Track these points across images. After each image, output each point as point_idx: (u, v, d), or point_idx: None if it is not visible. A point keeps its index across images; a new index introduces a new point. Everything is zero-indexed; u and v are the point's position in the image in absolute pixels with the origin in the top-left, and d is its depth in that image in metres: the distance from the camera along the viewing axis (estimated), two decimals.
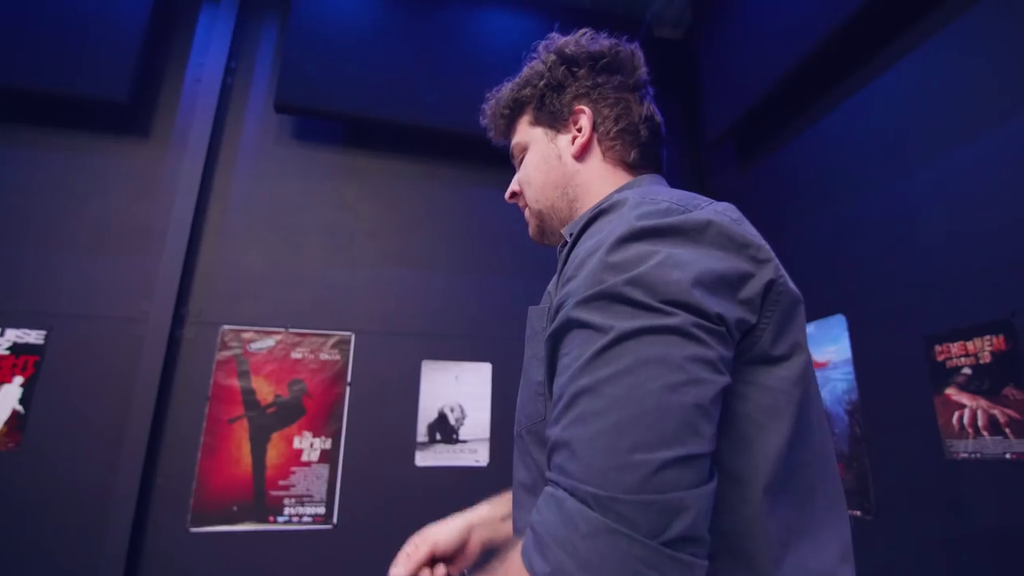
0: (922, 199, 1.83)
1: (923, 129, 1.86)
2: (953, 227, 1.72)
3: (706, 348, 0.44)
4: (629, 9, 2.97)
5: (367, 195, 2.62)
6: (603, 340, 0.45)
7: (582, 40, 0.78)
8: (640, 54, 0.79)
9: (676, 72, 3.01)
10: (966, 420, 1.65)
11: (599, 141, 0.75)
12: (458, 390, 2.45)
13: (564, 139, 0.76)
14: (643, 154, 0.75)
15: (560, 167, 0.75)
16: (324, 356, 2.39)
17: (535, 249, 2.70)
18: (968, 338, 1.66)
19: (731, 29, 2.62)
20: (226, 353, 2.30)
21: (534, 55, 0.81)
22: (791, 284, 0.53)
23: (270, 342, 2.35)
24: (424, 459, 2.35)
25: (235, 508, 2.14)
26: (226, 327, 2.32)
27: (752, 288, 0.49)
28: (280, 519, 2.17)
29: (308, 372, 2.36)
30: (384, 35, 2.57)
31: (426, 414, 2.40)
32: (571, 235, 0.59)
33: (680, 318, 0.44)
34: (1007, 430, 1.54)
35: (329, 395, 2.36)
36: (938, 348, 1.73)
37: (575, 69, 0.76)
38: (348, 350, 2.41)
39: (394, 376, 2.41)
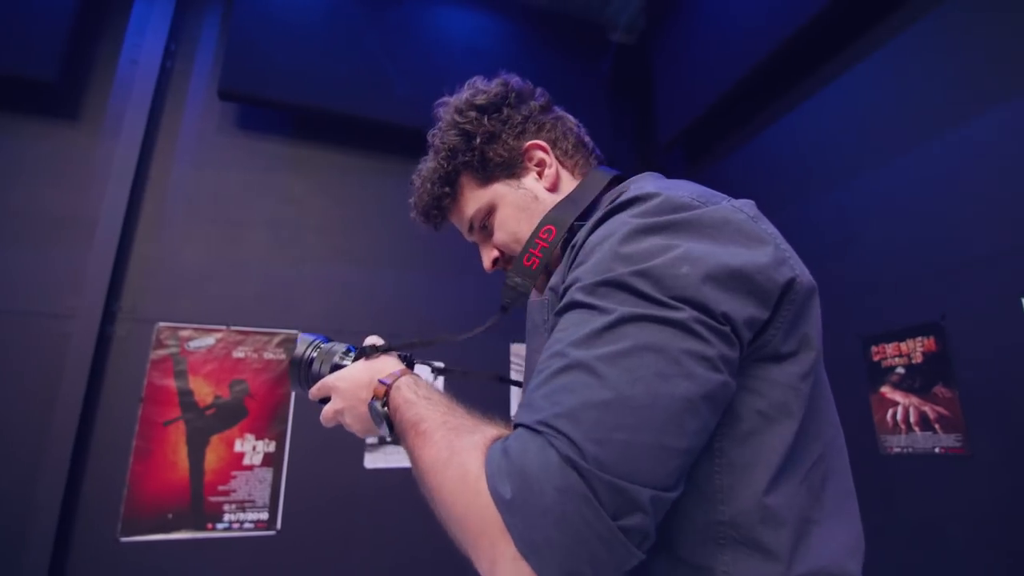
0: (860, 207, 1.91)
1: (862, 141, 1.95)
2: (888, 234, 1.81)
3: (706, 345, 0.44)
4: (585, 12, 2.99)
5: (314, 189, 2.53)
6: (605, 319, 0.45)
7: (479, 87, 0.77)
8: (521, 80, 0.79)
9: (629, 76, 3.04)
10: (899, 416, 1.73)
11: (561, 164, 0.75)
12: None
13: (528, 179, 0.74)
14: (596, 157, 0.78)
15: (540, 205, 0.73)
16: (268, 355, 2.30)
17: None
18: (902, 339, 1.74)
19: (684, 37, 2.67)
20: (162, 352, 2.17)
21: (437, 124, 0.78)
22: (807, 276, 0.53)
23: (210, 340, 2.25)
24: (374, 461, 2.29)
25: (170, 516, 2.03)
26: (162, 324, 2.19)
27: (767, 286, 0.48)
28: (219, 526, 2.07)
29: (251, 372, 2.26)
30: (337, 23, 2.49)
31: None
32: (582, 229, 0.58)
33: (684, 313, 0.44)
34: (936, 426, 1.63)
35: (273, 396, 2.27)
36: (874, 349, 1.81)
37: (496, 114, 0.75)
38: (293, 349, 2.32)
39: None
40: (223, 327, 2.26)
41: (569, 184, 0.75)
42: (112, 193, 2.16)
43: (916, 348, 1.71)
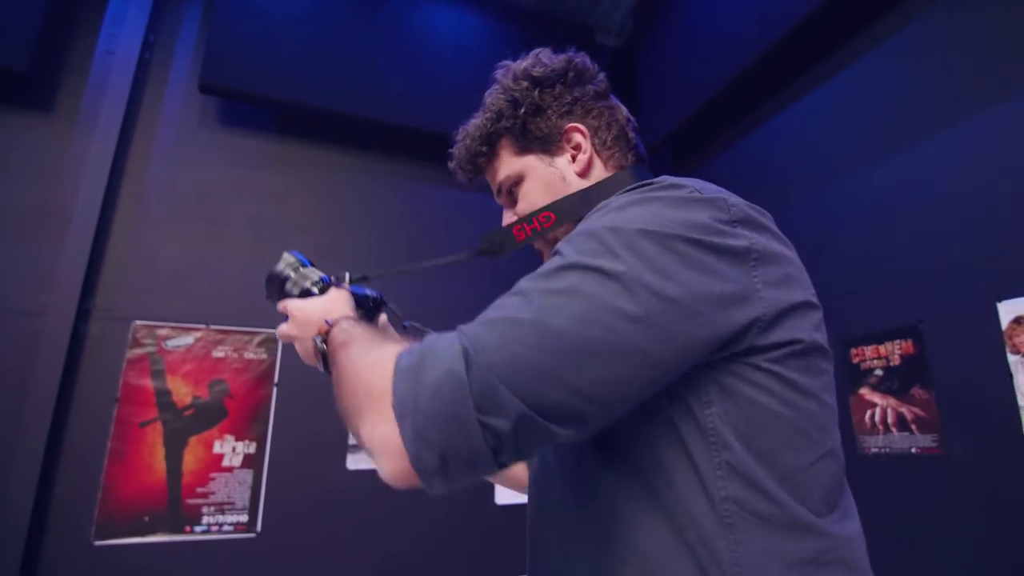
0: (841, 211, 1.95)
1: (844, 146, 1.99)
2: (868, 238, 1.85)
3: (637, 306, 0.45)
4: (573, 14, 2.99)
5: (298, 187, 2.50)
6: (560, 261, 0.49)
7: (542, 59, 0.78)
8: (590, 61, 0.81)
9: (616, 79, 3.04)
10: (877, 418, 1.77)
11: (597, 153, 0.75)
12: None
13: (562, 160, 0.75)
14: (636, 155, 0.77)
15: (565, 188, 0.74)
16: (249, 355, 2.26)
17: (471, 246, 2.68)
18: (880, 342, 1.78)
19: (671, 40, 2.69)
20: (138, 351, 2.12)
21: (494, 86, 0.80)
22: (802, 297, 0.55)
23: (188, 339, 2.20)
24: (357, 462, 2.27)
25: (147, 518, 1.98)
26: (138, 323, 2.14)
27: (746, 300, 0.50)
28: (198, 528, 2.03)
29: (231, 372, 2.22)
30: (323, 18, 2.46)
31: None
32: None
33: (628, 269, 0.46)
34: (913, 426, 1.67)
35: (254, 396, 2.23)
36: (854, 351, 1.85)
37: (549, 89, 0.76)
38: (276, 349, 2.29)
39: (325, 376, 2.31)
40: (202, 326, 2.22)
41: (600, 174, 0.75)
42: (87, 187, 2.10)
43: (894, 350, 1.75)
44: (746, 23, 2.22)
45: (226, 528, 2.07)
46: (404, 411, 0.44)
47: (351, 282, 0.86)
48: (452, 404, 0.42)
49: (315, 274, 0.84)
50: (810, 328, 0.54)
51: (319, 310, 0.76)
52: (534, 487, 0.70)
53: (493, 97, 0.78)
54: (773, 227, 0.57)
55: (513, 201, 0.80)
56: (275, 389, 2.25)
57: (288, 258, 0.86)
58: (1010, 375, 1.47)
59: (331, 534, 2.16)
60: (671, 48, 2.68)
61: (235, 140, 2.42)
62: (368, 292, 0.90)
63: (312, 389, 2.27)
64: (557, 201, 0.71)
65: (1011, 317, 1.49)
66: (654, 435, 0.51)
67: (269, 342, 2.29)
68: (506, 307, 0.48)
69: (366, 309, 0.87)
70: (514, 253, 0.78)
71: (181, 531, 2.01)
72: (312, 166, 2.53)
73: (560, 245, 0.52)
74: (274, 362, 2.28)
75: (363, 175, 2.61)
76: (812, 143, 2.13)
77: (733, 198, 0.55)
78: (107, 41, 2.28)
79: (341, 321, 0.70)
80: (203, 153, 2.36)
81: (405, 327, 0.90)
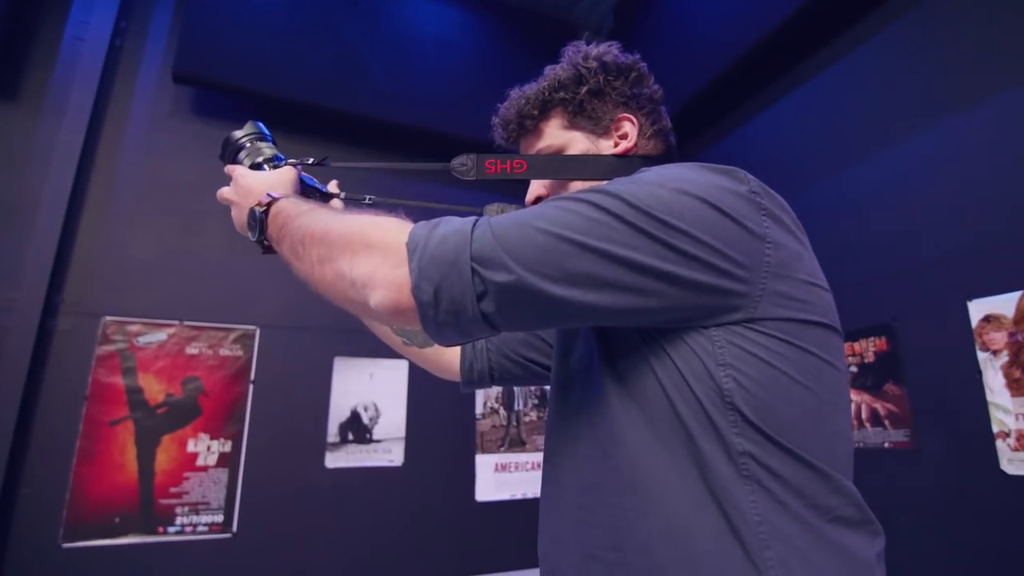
0: (817, 211, 1.98)
1: (820, 149, 2.02)
2: (843, 239, 1.88)
3: (637, 222, 0.51)
4: (554, 10, 2.99)
5: None
6: (579, 193, 0.55)
7: (614, 51, 0.80)
8: (647, 68, 0.83)
9: None
10: (852, 413, 1.81)
11: (637, 145, 0.77)
12: (373, 388, 2.36)
13: (606, 144, 0.77)
14: (667, 151, 0.81)
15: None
16: (224, 352, 2.21)
17: None
18: (855, 339, 1.82)
19: (651, 39, 2.71)
20: (108, 347, 2.06)
21: (561, 60, 0.81)
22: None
23: (161, 336, 2.14)
24: (335, 460, 2.24)
25: (117, 519, 1.93)
26: (108, 318, 2.08)
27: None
28: (171, 529, 1.98)
29: (205, 369, 2.17)
30: (302, 7, 2.41)
31: (338, 413, 2.28)
32: None
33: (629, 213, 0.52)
34: (886, 422, 1.71)
35: (229, 394, 2.18)
36: None
37: (613, 78, 0.77)
38: (252, 345, 2.25)
39: (304, 373, 2.28)
40: (176, 322, 2.16)
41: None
42: (55, 178, 2.03)
43: (868, 348, 1.79)
44: (726, 24, 2.24)
45: (201, 528, 2.02)
46: (414, 251, 0.51)
47: (305, 168, 0.88)
48: (453, 251, 0.50)
49: (270, 150, 0.86)
50: (824, 308, 0.59)
51: (263, 184, 0.79)
52: (550, 438, 0.72)
53: (557, 69, 0.79)
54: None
55: None
56: (251, 386, 2.21)
57: (250, 127, 0.87)
58: (979, 372, 1.52)
59: (309, 533, 2.13)
60: (652, 47, 2.69)
61: (210, 131, 2.36)
62: (320, 187, 0.93)
63: (290, 387, 2.24)
64: (554, 157, 0.75)
65: (981, 315, 1.53)
66: (673, 393, 0.53)
67: (245, 339, 2.24)
68: (524, 212, 0.55)
69: (313, 199, 0.85)
70: None
71: (154, 532, 1.96)
72: (288, 158, 2.48)
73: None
74: (250, 359, 2.23)
75: (344, 169, 2.56)
76: (790, 145, 2.16)
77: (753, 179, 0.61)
78: (76, 27, 2.19)
79: (286, 198, 0.73)
80: (176, 144, 2.30)
81: (367, 204, 0.92)
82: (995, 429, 1.48)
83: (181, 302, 2.18)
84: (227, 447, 2.13)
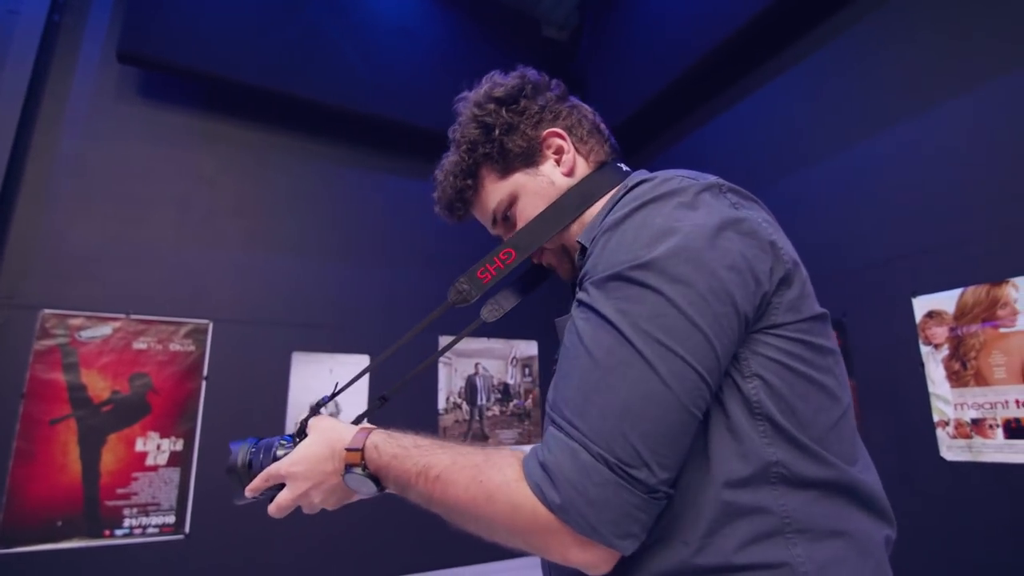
0: (773, 212, 2.04)
1: (779, 149, 2.08)
2: (796, 240, 1.93)
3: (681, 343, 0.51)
4: (519, 3, 2.96)
5: (230, 168, 2.35)
6: (599, 325, 0.54)
7: (498, 80, 0.78)
8: (538, 73, 0.82)
9: (560, 73, 3.04)
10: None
11: (578, 150, 0.76)
12: (332, 384, 2.30)
13: (546, 166, 0.75)
14: (612, 147, 0.79)
15: (555, 191, 0.74)
16: (175, 347, 2.12)
17: (417, 239, 2.63)
18: None
19: (616, 37, 2.72)
20: (48, 342, 1.94)
21: (459, 119, 0.79)
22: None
23: (106, 330, 2.04)
24: None
25: (59, 523, 1.83)
26: (47, 311, 1.96)
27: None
28: (119, 532, 1.90)
29: (154, 365, 2.08)
30: None
31: (296, 410, 2.22)
32: (595, 236, 0.59)
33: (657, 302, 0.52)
34: None
35: (180, 391, 2.10)
36: None
37: (514, 105, 0.76)
38: (204, 340, 2.16)
39: (260, 369, 2.21)
40: (122, 315, 2.06)
41: (584, 170, 0.76)
42: None
43: None
44: (690, 24, 2.27)
45: (151, 530, 1.94)
46: (593, 530, 0.48)
47: (319, 406, 0.79)
48: (626, 503, 0.47)
49: (274, 440, 0.77)
50: (813, 293, 0.60)
51: (324, 448, 0.69)
52: None
53: (461, 130, 0.78)
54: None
55: (512, 226, 0.78)
56: (204, 383, 2.12)
57: (238, 447, 0.79)
58: (922, 364, 1.60)
59: (266, 534, 2.08)
60: (616, 44, 2.71)
61: (158, 115, 2.25)
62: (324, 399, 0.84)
63: (245, 383, 2.17)
64: (512, 239, 0.72)
65: (924, 311, 1.62)
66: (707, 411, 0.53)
67: (197, 333, 2.15)
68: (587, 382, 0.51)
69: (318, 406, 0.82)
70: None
71: (99, 535, 1.87)
72: (245, 147, 2.39)
73: (594, 296, 0.53)
74: (203, 354, 2.15)
75: (304, 158, 2.49)
76: (747, 147, 2.22)
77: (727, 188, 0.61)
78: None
79: (368, 439, 0.65)
80: (121, 128, 2.17)
81: (382, 399, 0.84)
82: (935, 418, 1.57)
83: (127, 295, 2.07)
84: (178, 446, 2.05)
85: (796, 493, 0.51)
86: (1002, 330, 1.53)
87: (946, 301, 1.58)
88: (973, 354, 1.60)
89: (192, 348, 2.14)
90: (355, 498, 0.72)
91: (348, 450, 0.65)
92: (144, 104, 2.23)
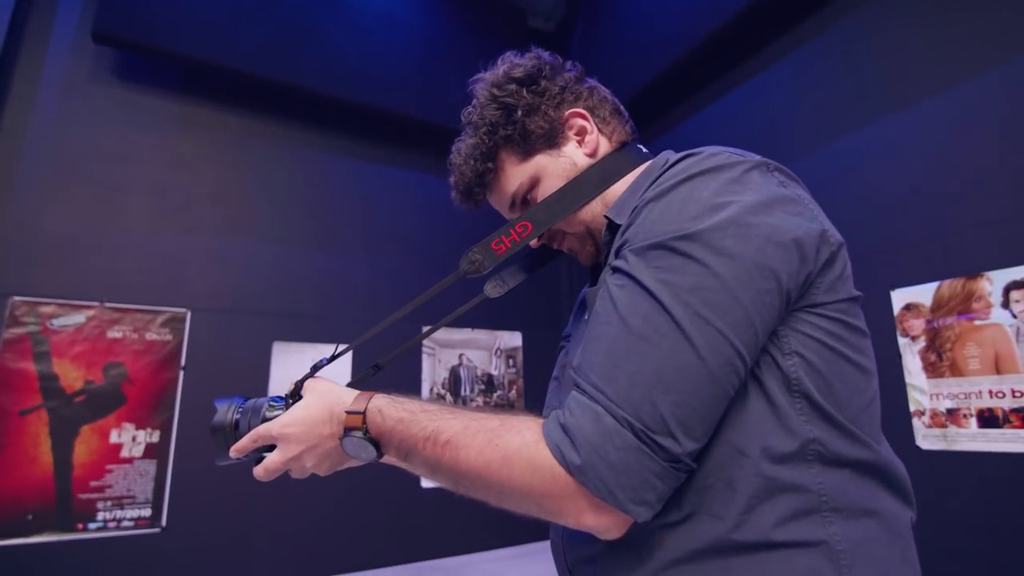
0: None
1: (758, 146, 2.10)
2: None
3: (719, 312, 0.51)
4: None
5: (209, 153, 2.30)
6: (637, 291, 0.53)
7: (516, 61, 0.75)
8: (550, 54, 0.79)
9: None
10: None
11: (600, 131, 0.74)
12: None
13: (568, 148, 0.73)
14: (632, 128, 0.78)
15: (578, 173, 0.72)
16: (151, 336, 2.07)
17: (400, 228, 2.60)
18: None
19: (602, 29, 2.73)
20: (18, 330, 1.88)
21: (475, 102, 0.76)
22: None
23: (79, 318, 1.98)
24: None
25: (30, 517, 1.78)
26: (17, 299, 1.90)
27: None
28: (92, 526, 1.85)
29: (130, 354, 2.03)
30: None
31: None
32: (635, 207, 0.58)
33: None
34: None
35: (157, 381, 2.05)
36: None
37: (535, 86, 0.73)
38: (182, 329, 2.12)
39: (239, 359, 2.17)
40: (96, 303, 2.00)
41: (607, 150, 0.74)
42: None
43: None
44: (675, 18, 2.29)
45: (126, 524, 1.90)
46: (610, 493, 0.48)
47: (315, 369, 0.74)
48: (646, 468, 0.47)
49: (263, 400, 0.72)
50: (851, 277, 0.59)
51: (322, 410, 0.64)
52: None
53: (480, 112, 0.74)
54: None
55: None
56: (182, 373, 2.08)
57: (223, 404, 0.73)
58: (899, 355, 1.64)
59: (245, 525, 2.05)
60: (602, 37, 2.72)
61: (134, 98, 2.18)
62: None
63: (224, 373, 2.13)
64: (530, 212, 0.70)
65: (902, 304, 1.65)
66: (739, 391, 0.52)
67: (175, 322, 2.11)
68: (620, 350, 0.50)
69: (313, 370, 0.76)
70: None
71: (72, 529, 1.82)
72: (225, 131, 2.34)
73: (633, 264, 0.52)
74: (180, 344, 2.10)
75: (286, 144, 2.45)
76: (733, 139, 2.24)
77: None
78: None
79: (371, 402, 0.62)
80: (96, 110, 2.11)
81: (376, 367, 0.80)
82: (912, 408, 1.61)
83: (102, 282, 2.02)
84: (155, 437, 2.00)
85: (831, 472, 0.51)
86: (976, 322, 1.57)
87: (923, 294, 1.62)
88: (948, 346, 1.64)
89: (169, 337, 2.09)
90: (347, 464, 0.67)
91: (348, 412, 0.62)
92: (120, 86, 2.17)
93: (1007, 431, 1.49)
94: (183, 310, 2.12)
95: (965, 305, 1.60)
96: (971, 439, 1.56)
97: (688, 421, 0.47)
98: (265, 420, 0.69)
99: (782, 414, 0.51)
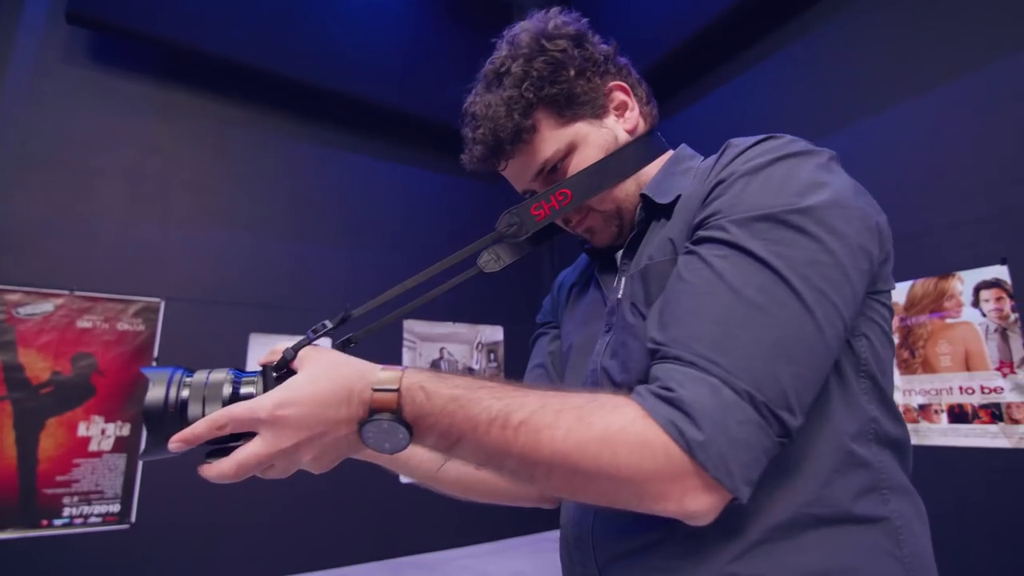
0: None
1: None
2: None
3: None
4: None
5: (186, 140, 2.24)
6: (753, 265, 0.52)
7: (564, 17, 0.69)
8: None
9: None
10: None
11: (639, 109, 0.70)
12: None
13: (609, 120, 0.69)
14: (656, 115, 0.74)
15: (618, 147, 0.68)
16: (123, 326, 2.01)
17: (380, 219, 2.58)
18: None
19: (590, 23, 2.74)
20: None
21: (515, 52, 0.66)
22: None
23: (47, 307, 1.91)
24: None
25: None
26: None
27: None
28: (57, 522, 1.79)
29: (100, 344, 1.97)
30: None
31: None
32: (719, 182, 0.56)
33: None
34: None
35: (128, 372, 1.99)
36: None
37: (583, 50, 0.67)
38: (155, 319, 2.06)
39: (215, 351, 2.12)
40: (65, 292, 1.94)
41: (642, 130, 0.71)
42: None
43: None
44: (660, 18, 2.31)
45: (93, 520, 1.84)
46: (727, 472, 0.44)
47: (316, 333, 0.57)
48: (760, 445, 0.45)
49: (221, 373, 0.53)
50: None
51: (339, 388, 0.50)
52: None
53: (525, 63, 0.65)
54: None
55: (553, 181, 0.69)
56: (155, 364, 2.02)
57: (159, 376, 0.52)
58: None
59: (217, 522, 2.00)
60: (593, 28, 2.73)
61: (109, 81, 2.12)
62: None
63: (199, 365, 2.06)
64: (572, 179, 0.65)
65: None
66: None
67: (148, 312, 2.05)
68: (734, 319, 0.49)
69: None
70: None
71: (36, 526, 1.76)
72: (204, 117, 2.28)
73: (737, 235, 0.50)
74: (154, 334, 2.04)
75: (266, 132, 2.40)
76: (711, 143, 2.27)
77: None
78: None
79: (405, 377, 0.50)
80: (68, 93, 2.04)
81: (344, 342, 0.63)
82: None
83: (71, 270, 1.95)
84: (125, 431, 1.95)
85: (883, 451, 0.53)
86: (948, 320, 1.62)
87: (897, 293, 1.66)
88: (921, 343, 1.69)
89: (142, 328, 2.03)
90: (350, 456, 0.54)
91: (377, 390, 0.49)
92: (95, 68, 2.10)
93: (976, 426, 1.54)
94: (157, 299, 2.07)
95: (937, 304, 1.65)
96: (942, 434, 1.61)
97: (803, 394, 0.46)
98: (237, 398, 0.52)
99: (850, 392, 0.52)
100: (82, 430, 1.89)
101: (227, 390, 0.51)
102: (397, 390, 0.49)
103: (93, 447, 1.89)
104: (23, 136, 1.95)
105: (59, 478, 1.82)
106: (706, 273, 0.50)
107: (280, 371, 0.52)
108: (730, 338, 0.46)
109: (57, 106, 2.01)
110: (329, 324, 0.59)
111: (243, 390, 0.52)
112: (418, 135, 2.67)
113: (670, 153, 0.70)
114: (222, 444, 0.49)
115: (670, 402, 0.46)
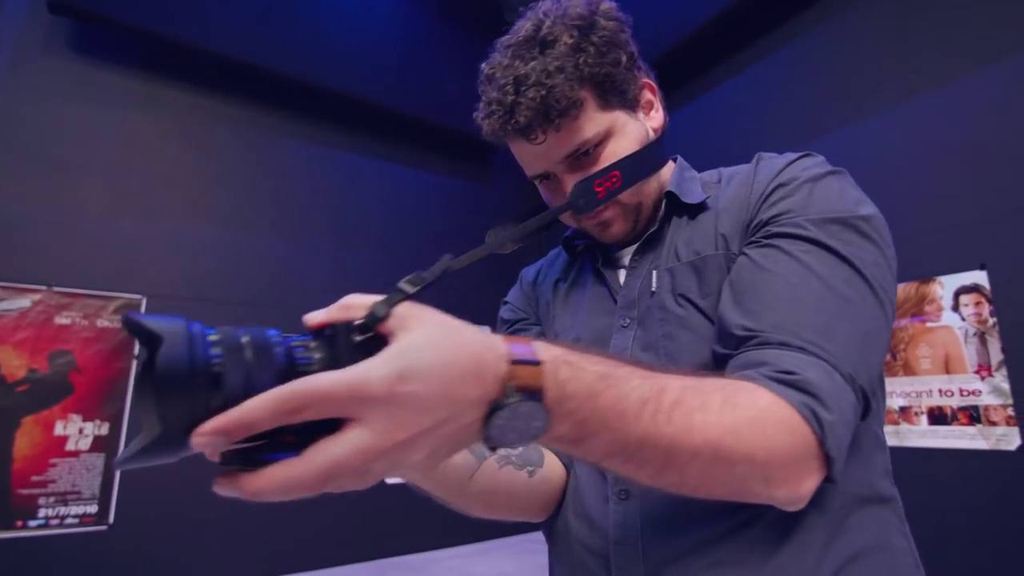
0: None
1: (723, 151, 2.17)
2: None
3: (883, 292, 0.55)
4: None
5: (171, 135, 2.20)
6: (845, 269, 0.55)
7: (610, 2, 0.64)
8: None
9: None
10: None
11: (662, 112, 0.69)
12: None
13: (640, 115, 0.67)
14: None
15: (649, 143, 0.66)
16: (103, 323, 1.97)
17: (365, 217, 2.56)
18: None
19: None
20: None
21: (567, 21, 0.61)
22: None
23: (23, 302, 1.87)
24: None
25: None
26: None
27: None
28: (32, 523, 1.74)
29: (79, 342, 1.92)
30: None
31: None
32: (776, 186, 0.59)
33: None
34: None
35: (107, 370, 1.95)
36: None
37: (626, 37, 0.64)
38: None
39: None
40: (42, 287, 1.89)
41: (661, 131, 0.69)
42: None
43: None
44: (649, 22, 2.33)
45: (70, 521, 1.79)
46: (840, 453, 0.46)
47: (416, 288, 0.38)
48: (851, 429, 0.47)
49: (269, 331, 0.31)
50: None
51: (461, 355, 0.34)
52: None
53: (583, 37, 0.60)
54: None
55: (581, 167, 0.64)
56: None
57: (169, 332, 0.26)
58: None
59: (197, 523, 1.96)
60: None
61: (91, 72, 2.08)
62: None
63: None
64: (623, 161, 0.62)
65: None
66: None
67: (129, 308, 2.01)
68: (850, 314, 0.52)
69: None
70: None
71: (10, 527, 1.71)
72: (190, 112, 2.24)
73: (815, 232, 0.54)
74: None
75: (247, 129, 2.37)
76: (697, 147, 2.30)
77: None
78: None
79: (541, 350, 0.38)
80: (49, 84, 1.99)
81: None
82: None
83: (50, 265, 1.90)
84: (103, 430, 1.90)
85: (881, 449, 0.56)
86: (928, 324, 1.66)
87: None
88: (902, 346, 1.72)
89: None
90: (452, 455, 0.38)
91: (518, 362, 0.36)
92: (77, 59, 2.06)
93: (955, 428, 1.57)
94: (138, 296, 2.03)
95: (918, 308, 1.69)
96: (921, 436, 1.64)
97: (878, 381, 0.51)
98: (294, 372, 0.31)
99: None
100: (59, 429, 1.84)
101: (281, 357, 0.32)
102: (539, 363, 0.37)
103: (70, 446, 1.85)
104: (1, 127, 1.90)
105: (35, 478, 1.78)
106: (794, 265, 0.52)
107: (368, 337, 0.34)
108: (831, 327, 0.49)
109: (37, 97, 1.96)
110: (428, 276, 0.40)
111: (300, 357, 0.32)
112: (405, 133, 2.66)
113: (674, 161, 0.72)
114: (248, 444, 0.30)
115: (795, 385, 0.45)
